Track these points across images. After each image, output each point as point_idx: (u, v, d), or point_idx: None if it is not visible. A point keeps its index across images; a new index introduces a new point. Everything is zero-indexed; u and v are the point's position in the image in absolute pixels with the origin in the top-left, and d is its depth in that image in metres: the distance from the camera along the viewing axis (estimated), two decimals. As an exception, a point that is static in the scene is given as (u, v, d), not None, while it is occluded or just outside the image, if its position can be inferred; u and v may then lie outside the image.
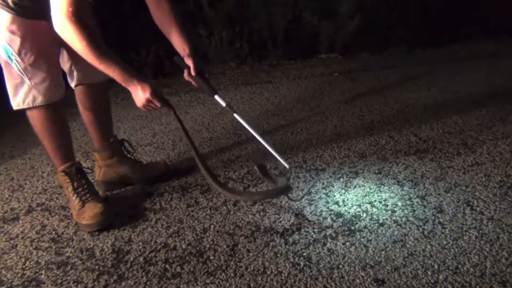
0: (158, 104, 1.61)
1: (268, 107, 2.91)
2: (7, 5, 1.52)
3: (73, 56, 1.79)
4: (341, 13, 3.88)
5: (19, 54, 1.59)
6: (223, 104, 1.75)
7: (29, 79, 1.63)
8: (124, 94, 3.58)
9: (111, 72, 1.52)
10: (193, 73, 1.72)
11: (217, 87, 3.46)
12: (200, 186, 1.97)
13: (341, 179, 1.91)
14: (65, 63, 1.82)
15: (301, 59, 4.00)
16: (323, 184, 1.88)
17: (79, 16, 1.45)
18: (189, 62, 1.71)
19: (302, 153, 2.18)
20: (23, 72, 1.62)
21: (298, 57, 4.01)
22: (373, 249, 1.46)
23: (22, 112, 1.72)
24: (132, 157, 2.08)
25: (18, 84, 1.65)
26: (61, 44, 1.74)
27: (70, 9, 1.43)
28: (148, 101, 1.58)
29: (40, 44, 1.62)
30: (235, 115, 1.75)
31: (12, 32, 1.56)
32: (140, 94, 1.56)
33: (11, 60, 1.60)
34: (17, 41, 1.57)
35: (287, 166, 1.69)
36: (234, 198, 1.79)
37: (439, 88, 2.93)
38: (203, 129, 2.65)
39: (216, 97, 1.76)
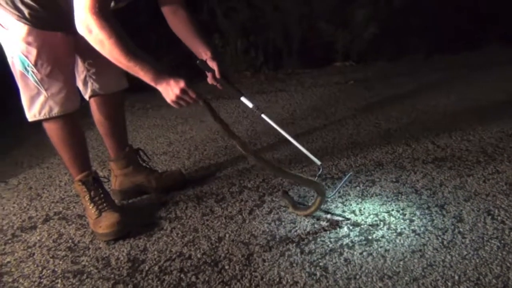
0: (193, 95, 1.50)
1: (283, 116, 2.90)
2: (24, 17, 1.55)
3: (88, 66, 1.82)
4: (356, 21, 3.87)
5: (35, 65, 1.60)
6: (250, 105, 1.73)
7: (46, 90, 1.65)
8: (140, 103, 3.63)
9: (140, 69, 1.46)
10: (217, 75, 1.72)
11: (231, 95, 3.50)
12: (215, 195, 1.97)
13: (358, 187, 1.89)
14: (79, 74, 1.85)
15: (316, 68, 3.99)
16: (339, 192, 1.86)
17: (105, 13, 1.42)
18: (213, 65, 1.71)
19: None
20: (39, 83, 1.63)
21: (313, 65, 4.01)
22: (391, 259, 1.43)
23: (39, 122, 1.74)
24: (148, 166, 2.09)
25: (34, 95, 1.66)
26: (78, 53, 1.78)
27: (97, 4, 1.40)
28: (183, 92, 1.48)
29: (56, 55, 1.64)
30: (263, 115, 1.73)
31: (29, 44, 1.58)
32: (173, 87, 1.48)
33: (28, 71, 1.61)
34: (33, 52, 1.59)
35: (318, 162, 1.66)
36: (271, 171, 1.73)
37: (458, 95, 2.88)
38: (218, 137, 2.66)
39: (242, 98, 1.74)
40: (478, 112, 2.56)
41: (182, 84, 1.48)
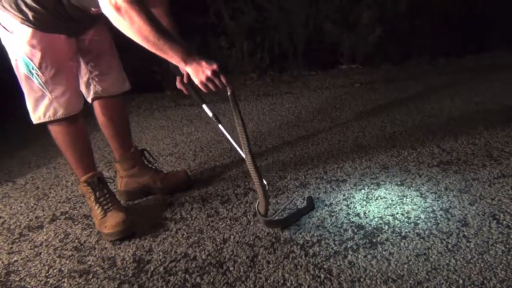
0: (224, 80, 1.49)
1: (289, 118, 2.91)
2: (28, 20, 1.55)
3: (91, 68, 1.84)
4: (362, 24, 3.87)
5: (40, 67, 1.61)
6: (210, 114, 1.76)
7: (50, 92, 1.66)
8: (146, 105, 3.65)
9: (170, 48, 1.43)
10: (185, 80, 1.73)
11: (237, 98, 3.51)
12: (220, 196, 1.98)
13: (363, 190, 1.89)
14: (82, 76, 1.86)
15: (322, 70, 4.00)
16: (344, 195, 1.86)
17: None
18: (184, 70, 1.69)
19: (323, 164, 2.16)
20: (44, 85, 1.64)
21: (319, 68, 4.02)
22: (395, 263, 1.43)
23: (45, 124, 1.75)
24: (153, 167, 2.10)
25: (38, 97, 1.67)
26: (81, 56, 1.79)
27: None
28: (215, 74, 1.47)
29: (60, 58, 1.65)
30: (220, 126, 1.76)
31: (33, 46, 1.59)
32: (205, 68, 1.46)
33: (32, 74, 1.62)
34: (37, 55, 1.60)
35: (264, 182, 1.63)
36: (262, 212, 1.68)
37: (463, 99, 2.88)
38: (223, 139, 2.66)
39: (204, 106, 1.77)
40: (483, 116, 2.55)
41: (215, 66, 1.46)
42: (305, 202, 1.81)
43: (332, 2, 3.83)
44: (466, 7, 3.97)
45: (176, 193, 2.04)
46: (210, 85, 1.50)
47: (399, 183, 1.91)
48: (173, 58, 1.45)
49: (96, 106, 1.94)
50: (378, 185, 1.91)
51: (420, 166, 2.04)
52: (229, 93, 1.54)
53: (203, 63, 1.46)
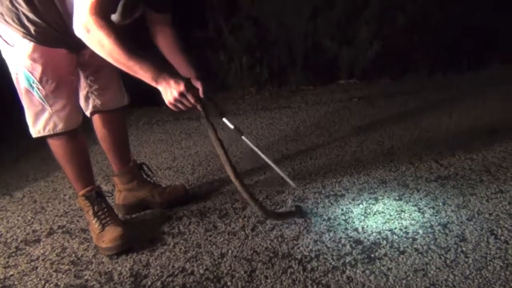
0: (192, 100, 1.48)
1: (287, 132, 2.92)
2: (29, 34, 1.57)
3: (91, 82, 1.85)
4: (360, 39, 3.91)
5: (40, 81, 1.63)
6: (231, 126, 1.77)
7: (50, 106, 1.67)
8: (146, 118, 3.66)
9: (140, 68, 1.44)
10: (201, 94, 1.73)
11: (237, 112, 3.53)
12: (218, 211, 1.98)
13: (361, 205, 1.89)
14: (81, 90, 1.87)
15: (320, 85, 4.03)
16: (342, 210, 1.86)
17: (106, 15, 1.42)
18: (197, 84, 1.71)
19: (321, 179, 2.17)
20: (44, 99, 1.65)
21: (317, 82, 4.05)
22: (394, 278, 1.43)
23: (45, 137, 1.76)
24: (152, 181, 2.11)
25: (38, 111, 1.68)
26: (81, 70, 1.81)
27: (96, 7, 1.40)
28: (181, 95, 1.46)
29: (61, 72, 1.67)
30: (243, 137, 1.77)
31: (34, 60, 1.60)
32: (172, 88, 1.45)
33: (32, 87, 1.63)
34: (38, 69, 1.61)
35: (293, 185, 1.68)
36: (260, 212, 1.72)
37: (461, 114, 2.90)
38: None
39: (224, 119, 1.78)
40: (481, 131, 2.57)
41: (181, 87, 1.45)
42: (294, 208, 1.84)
43: (330, 18, 3.88)
44: (464, 23, 4.01)
45: (174, 207, 2.04)
46: (179, 106, 1.50)
47: (397, 197, 1.92)
48: (144, 78, 1.46)
49: (95, 120, 1.95)
50: (376, 199, 1.92)
51: (418, 181, 2.05)
52: (201, 112, 1.55)
53: (172, 83, 1.46)
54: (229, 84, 4.12)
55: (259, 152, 1.75)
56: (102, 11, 1.41)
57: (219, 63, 4.08)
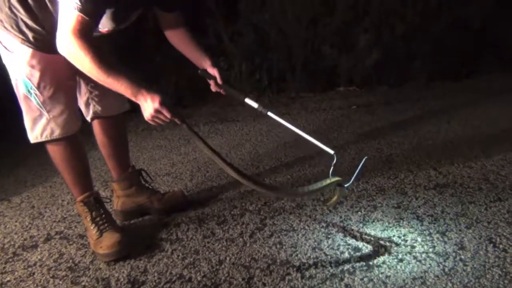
0: (168, 115, 1.49)
1: (286, 139, 2.92)
2: (28, 40, 1.58)
3: (91, 88, 1.86)
4: (359, 46, 3.92)
5: (38, 87, 1.63)
6: (255, 105, 1.75)
7: (48, 112, 1.67)
8: (145, 124, 3.66)
9: (119, 85, 1.46)
10: (219, 81, 1.78)
11: (236, 118, 3.54)
12: (216, 217, 1.98)
13: (359, 212, 1.89)
14: (81, 96, 1.88)
15: (319, 92, 4.04)
16: (340, 217, 1.86)
17: (85, 35, 1.44)
18: (214, 72, 1.77)
19: (320, 186, 2.17)
20: (41, 105, 1.66)
21: (317, 89, 4.05)
22: (392, 286, 1.42)
23: (43, 143, 1.76)
24: (150, 187, 2.11)
25: (36, 117, 1.68)
26: (79, 76, 1.81)
27: (78, 27, 1.43)
28: (157, 111, 1.47)
29: (59, 78, 1.67)
30: (269, 113, 1.74)
31: (32, 67, 1.61)
32: (149, 105, 1.47)
33: (30, 93, 1.64)
34: (36, 75, 1.62)
35: (331, 152, 1.65)
36: (275, 195, 1.67)
37: (460, 122, 2.91)
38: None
39: (246, 100, 1.77)
40: (479, 139, 2.58)
41: (156, 103, 1.46)
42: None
43: (329, 26, 3.89)
44: (462, 31, 4.03)
45: (173, 213, 2.04)
46: (157, 121, 1.51)
47: (395, 205, 1.92)
48: (125, 94, 1.48)
49: (95, 126, 1.96)
50: (375, 207, 1.92)
51: (416, 188, 2.05)
52: (182, 124, 1.56)
53: (148, 99, 1.46)
54: (228, 90, 4.12)
55: (289, 125, 1.72)
56: (83, 32, 1.44)
57: (219, 69, 4.08)
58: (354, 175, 1.65)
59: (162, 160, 2.79)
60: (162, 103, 1.46)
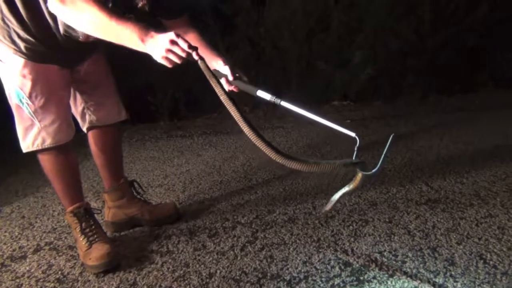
0: (185, 45, 1.34)
1: (279, 152, 2.92)
2: (20, 50, 1.58)
3: (87, 98, 1.86)
4: (354, 62, 3.96)
5: (29, 97, 1.63)
6: (268, 97, 1.63)
7: (39, 121, 1.67)
8: (139, 135, 3.66)
9: (125, 28, 1.32)
10: (231, 78, 1.66)
11: (230, 131, 3.54)
12: (208, 230, 1.96)
13: (351, 226, 1.89)
14: (77, 106, 1.88)
15: (314, 106, 4.05)
16: (332, 231, 1.86)
17: None
18: (225, 70, 1.65)
19: (312, 199, 2.17)
20: (33, 114, 1.65)
21: (311, 103, 4.07)
22: (382, 302, 1.42)
23: (35, 152, 1.74)
24: (142, 198, 2.09)
25: (28, 126, 1.68)
26: (74, 87, 1.81)
27: None
28: (172, 42, 1.32)
29: (51, 87, 1.66)
30: (281, 103, 1.65)
31: (24, 76, 1.61)
32: (162, 39, 1.32)
33: (22, 103, 1.63)
34: (28, 84, 1.61)
35: (353, 134, 1.55)
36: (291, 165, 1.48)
37: (452, 138, 2.92)
38: (214, 172, 2.67)
39: (259, 92, 1.64)
40: (471, 155, 2.59)
41: (171, 34, 1.33)
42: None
43: (324, 41, 3.93)
44: (456, 47, 4.08)
45: (164, 225, 2.02)
46: (172, 57, 1.35)
47: (387, 220, 1.92)
48: (130, 40, 1.34)
49: (90, 136, 1.95)
50: (367, 221, 1.92)
51: (408, 203, 2.05)
52: (198, 62, 1.40)
53: (159, 36, 1.33)
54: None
55: (306, 113, 1.62)
56: None
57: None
58: (381, 158, 1.46)
59: (155, 171, 2.78)
60: (177, 34, 1.34)
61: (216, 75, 1.66)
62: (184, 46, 1.34)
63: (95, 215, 1.87)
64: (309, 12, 3.95)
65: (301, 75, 4.04)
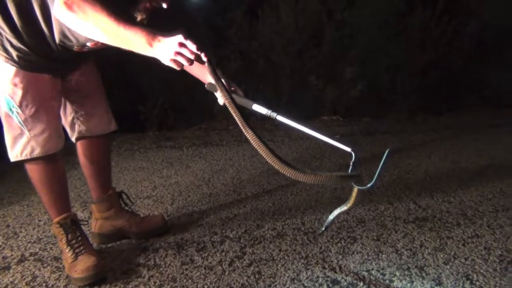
0: (194, 47, 1.33)
1: (269, 166, 2.89)
2: (12, 59, 1.57)
3: (77, 108, 1.85)
4: (345, 78, 4.01)
5: (20, 106, 1.61)
6: (264, 111, 1.61)
7: (29, 130, 1.65)
8: (127, 145, 3.64)
9: (133, 34, 1.31)
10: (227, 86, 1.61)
11: (220, 143, 3.55)
12: (196, 244, 1.95)
13: (339, 244, 1.89)
14: (67, 116, 1.86)
15: (303, 120, 4.07)
16: (320, 248, 1.86)
17: None
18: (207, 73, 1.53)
19: (301, 215, 2.17)
20: (23, 123, 1.64)
21: (301, 117, 4.09)
22: (369, 321, 1.42)
23: (23, 161, 1.72)
24: (130, 210, 2.08)
25: (17, 135, 1.66)
26: (64, 96, 1.80)
27: None
28: (181, 44, 1.31)
29: (42, 96, 1.65)
30: (277, 117, 1.59)
31: (15, 85, 1.59)
32: (170, 42, 1.31)
33: (12, 112, 1.62)
34: (19, 93, 1.60)
35: (348, 150, 1.53)
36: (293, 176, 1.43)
37: (440, 156, 2.96)
38: (203, 184, 2.66)
39: (254, 106, 1.63)
40: (458, 174, 2.62)
41: (180, 37, 1.32)
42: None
43: (316, 58, 3.98)
44: (445, 66, 4.16)
45: (152, 238, 2.00)
46: (181, 59, 1.33)
47: (375, 238, 1.93)
48: (138, 45, 1.33)
49: (79, 146, 1.93)
50: (355, 239, 1.92)
51: (396, 221, 2.07)
52: (206, 63, 1.39)
53: (166, 40, 1.32)
54: (214, 114, 4.14)
55: (302, 128, 1.61)
56: None
57: (205, 92, 4.11)
58: (377, 172, 1.43)
59: (144, 183, 2.76)
60: (185, 37, 1.33)
61: (212, 89, 1.66)
62: (193, 48, 1.33)
63: (82, 226, 1.85)
64: (302, 27, 4.00)
65: (292, 90, 4.07)
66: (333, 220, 1.59)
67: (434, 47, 4.12)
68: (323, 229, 1.66)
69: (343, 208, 1.53)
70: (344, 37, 4.02)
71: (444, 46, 4.10)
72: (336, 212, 1.55)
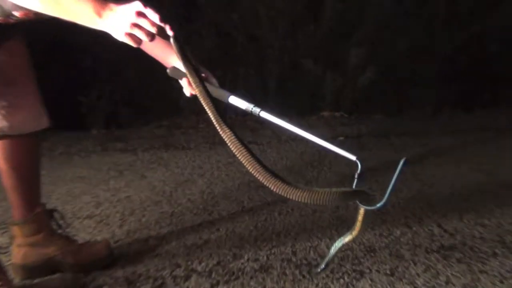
0: (155, 16, 1.33)
1: (250, 177, 2.87)
2: None
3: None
4: (350, 63, 4.02)
5: None
6: (244, 106, 1.60)
7: None
8: (63, 146, 3.59)
9: (79, 2, 1.31)
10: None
11: (186, 145, 3.52)
12: (152, 280, 1.92)
13: (341, 280, 1.88)
14: None
15: (297, 116, 4.08)
16: (317, 286, 1.85)
17: None
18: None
19: (292, 241, 2.16)
20: None
21: (294, 113, 4.10)
22: None
23: None
24: (64, 234, 2.04)
25: None
26: None
27: None
28: (140, 14, 1.32)
29: None
30: (261, 114, 1.59)
31: None
32: (126, 11, 1.31)
33: None
34: None
35: (353, 158, 1.52)
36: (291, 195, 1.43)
37: (471, 165, 2.99)
38: (163, 200, 2.64)
39: (231, 98, 1.62)
40: (495, 189, 2.65)
41: (137, 4, 1.32)
42: None
43: (313, 36, 3.98)
44: (478, 50, 4.20)
45: (93, 271, 1.97)
46: (139, 33, 1.33)
47: (388, 272, 1.92)
48: (84, 16, 1.33)
49: (2, 148, 1.89)
50: (362, 274, 1.92)
51: (415, 250, 2.07)
52: (171, 39, 1.39)
53: (121, 8, 1.32)
54: (180, 108, 4.12)
55: (292, 127, 1.59)
56: None
57: (168, 80, 4.08)
58: (390, 186, 1.43)
59: (84, 197, 2.73)
60: (145, 4, 1.32)
61: (176, 76, 1.65)
62: (155, 18, 1.33)
63: (0, 255, 1.81)
64: (295, -5, 4.01)
65: (283, 77, 4.07)
66: (335, 255, 1.58)
67: (464, 26, 4.16)
68: (323, 266, 1.65)
69: (347, 237, 1.54)
70: (349, 10, 4.03)
71: (477, 24, 4.15)
72: (338, 244, 1.55)
